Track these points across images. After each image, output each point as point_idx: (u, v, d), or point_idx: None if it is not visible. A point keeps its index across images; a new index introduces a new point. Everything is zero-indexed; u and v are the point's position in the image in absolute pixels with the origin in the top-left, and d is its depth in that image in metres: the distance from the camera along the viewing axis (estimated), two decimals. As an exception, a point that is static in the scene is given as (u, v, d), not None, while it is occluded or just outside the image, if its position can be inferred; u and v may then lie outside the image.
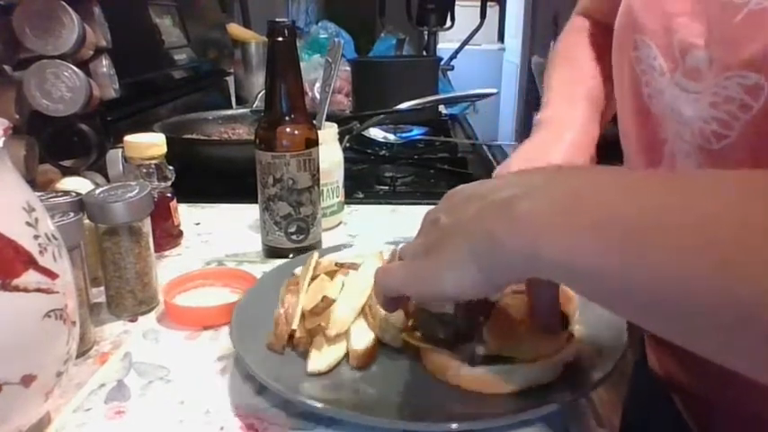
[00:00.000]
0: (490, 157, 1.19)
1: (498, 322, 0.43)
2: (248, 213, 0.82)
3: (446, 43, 2.80)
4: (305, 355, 0.47)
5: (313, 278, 0.53)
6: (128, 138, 0.67)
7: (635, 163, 0.54)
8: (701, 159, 0.43)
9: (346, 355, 0.47)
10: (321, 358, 0.46)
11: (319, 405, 0.40)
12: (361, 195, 0.92)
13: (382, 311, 0.47)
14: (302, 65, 0.70)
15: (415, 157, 1.17)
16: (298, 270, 0.56)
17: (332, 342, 0.47)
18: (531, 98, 5.02)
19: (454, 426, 0.39)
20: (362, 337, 0.47)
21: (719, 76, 0.40)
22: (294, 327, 0.48)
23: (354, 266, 0.54)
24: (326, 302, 0.48)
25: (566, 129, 0.62)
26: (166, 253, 0.71)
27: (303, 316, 0.49)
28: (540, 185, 0.32)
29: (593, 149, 0.62)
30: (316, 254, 0.57)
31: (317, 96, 1.44)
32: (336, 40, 0.88)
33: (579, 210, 0.29)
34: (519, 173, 0.38)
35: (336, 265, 0.55)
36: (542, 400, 0.41)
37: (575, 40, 0.71)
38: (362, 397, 0.43)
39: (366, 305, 0.50)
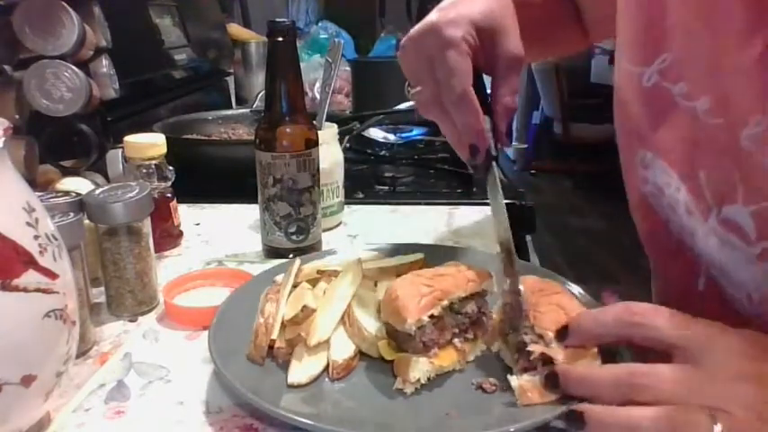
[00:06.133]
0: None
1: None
2: (248, 213, 0.82)
3: (446, 43, 2.80)
4: (286, 366, 0.46)
5: (295, 285, 0.52)
6: (128, 138, 0.67)
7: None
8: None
9: (327, 366, 0.46)
10: (302, 370, 0.45)
11: (303, 420, 0.39)
12: (361, 195, 0.92)
13: (361, 321, 0.47)
14: (302, 65, 0.70)
15: (415, 157, 1.17)
16: (279, 277, 0.54)
17: (312, 352, 0.46)
18: (531, 98, 5.01)
19: None
20: (342, 349, 0.46)
21: None
22: (274, 337, 0.46)
23: (336, 274, 0.53)
24: (306, 312, 0.47)
25: None
26: (166, 253, 0.71)
27: (283, 326, 0.47)
28: None
29: None
30: (298, 261, 0.55)
31: (317, 96, 1.44)
32: (336, 40, 0.88)
33: None
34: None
35: (318, 272, 0.54)
36: (531, 414, 0.40)
37: None
38: (343, 410, 0.42)
39: (345, 313, 0.49)
